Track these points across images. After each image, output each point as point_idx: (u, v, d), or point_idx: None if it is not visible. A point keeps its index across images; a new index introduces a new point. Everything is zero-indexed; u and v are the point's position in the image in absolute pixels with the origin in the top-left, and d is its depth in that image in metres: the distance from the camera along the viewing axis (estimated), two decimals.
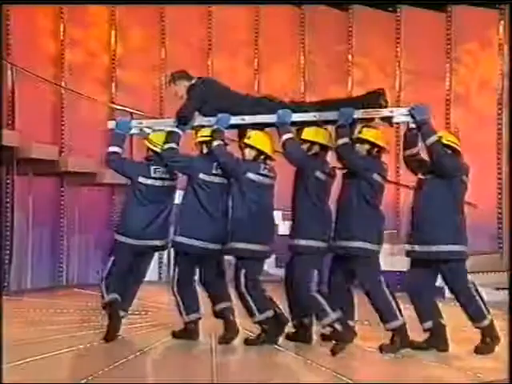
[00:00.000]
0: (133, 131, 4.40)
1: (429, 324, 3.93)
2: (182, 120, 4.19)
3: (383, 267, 4.02)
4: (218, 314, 4.17)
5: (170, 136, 4.15)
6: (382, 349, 3.85)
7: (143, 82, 7.49)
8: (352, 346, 3.95)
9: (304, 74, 7.87)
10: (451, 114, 7.61)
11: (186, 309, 4.16)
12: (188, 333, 4.18)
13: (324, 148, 3.99)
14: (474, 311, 3.89)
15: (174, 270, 4.17)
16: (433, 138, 3.78)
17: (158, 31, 7.55)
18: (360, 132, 3.97)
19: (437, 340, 3.91)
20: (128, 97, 7.29)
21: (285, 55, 7.87)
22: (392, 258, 6.68)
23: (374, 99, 4.00)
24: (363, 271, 3.86)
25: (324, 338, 4.10)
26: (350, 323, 4.01)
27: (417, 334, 4.01)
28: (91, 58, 7.36)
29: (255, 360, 3.87)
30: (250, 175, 3.94)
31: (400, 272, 6.69)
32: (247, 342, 4.06)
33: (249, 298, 3.92)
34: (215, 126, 4.07)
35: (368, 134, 3.96)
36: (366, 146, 3.94)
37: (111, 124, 4.38)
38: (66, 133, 7.02)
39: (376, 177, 3.91)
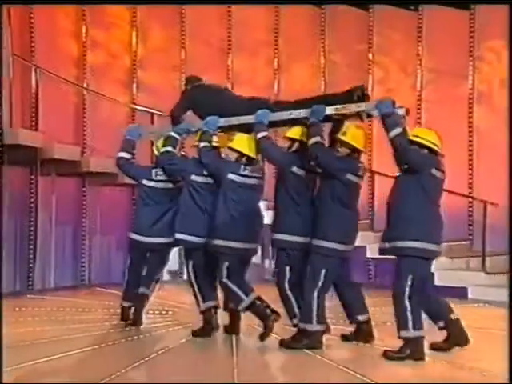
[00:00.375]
0: (143, 137, 4.75)
1: (440, 324, 3.92)
2: (172, 119, 4.54)
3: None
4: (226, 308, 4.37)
5: (168, 140, 4.42)
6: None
7: (164, 83, 7.54)
8: (372, 347, 3.98)
9: (324, 73, 7.84)
10: (474, 112, 7.52)
11: (203, 296, 4.29)
12: (207, 329, 4.24)
13: (305, 145, 4.01)
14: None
15: (187, 264, 4.35)
16: (395, 131, 3.72)
17: (178, 32, 7.60)
18: (344, 133, 3.95)
19: (455, 337, 3.87)
20: (149, 97, 7.36)
21: (305, 55, 7.86)
22: None
23: (349, 96, 4.01)
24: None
25: (344, 338, 4.16)
26: (359, 318, 4.05)
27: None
28: (112, 59, 7.44)
29: (275, 360, 3.91)
30: (231, 176, 4.08)
31: None
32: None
33: (232, 286, 4.04)
34: (204, 128, 4.29)
35: (350, 136, 3.95)
36: (347, 150, 3.97)
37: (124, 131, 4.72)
38: (88, 133, 7.13)
39: (350, 177, 3.92)
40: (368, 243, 6.90)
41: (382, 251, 3.84)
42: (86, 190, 7.11)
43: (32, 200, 6.59)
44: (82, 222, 7.08)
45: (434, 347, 3.89)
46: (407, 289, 3.66)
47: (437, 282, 6.32)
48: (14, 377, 3.33)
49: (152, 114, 6.90)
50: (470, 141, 7.47)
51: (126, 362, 3.66)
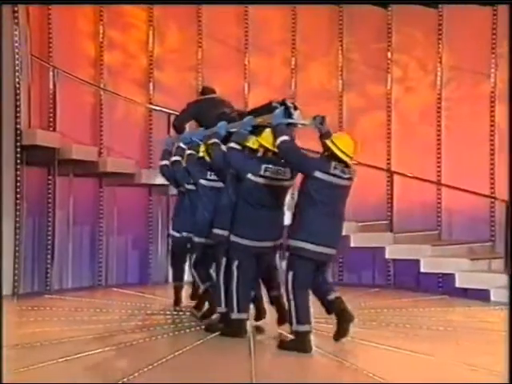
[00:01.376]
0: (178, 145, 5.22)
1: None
2: (175, 129, 5.49)
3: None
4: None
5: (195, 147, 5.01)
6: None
7: (180, 83, 7.54)
8: (387, 350, 4.05)
9: (342, 72, 7.80)
10: (496, 111, 7.41)
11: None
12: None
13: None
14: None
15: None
16: (280, 139, 4.00)
17: (195, 32, 7.59)
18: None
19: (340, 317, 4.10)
20: (165, 97, 7.37)
21: (322, 54, 7.82)
22: (433, 260, 6.60)
23: (272, 109, 4.32)
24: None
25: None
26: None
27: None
28: (129, 59, 7.46)
29: (292, 361, 3.88)
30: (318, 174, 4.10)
31: (442, 274, 6.61)
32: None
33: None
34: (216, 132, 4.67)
35: (263, 138, 4.27)
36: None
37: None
38: (105, 134, 7.14)
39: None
40: (387, 244, 6.85)
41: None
42: (103, 191, 7.14)
43: (49, 200, 6.63)
44: (99, 222, 7.11)
45: (336, 338, 4.09)
46: (290, 284, 3.88)
47: (458, 284, 6.27)
48: (30, 376, 3.37)
49: (169, 114, 6.92)
50: (492, 140, 7.36)
51: (144, 362, 3.67)
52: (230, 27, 7.70)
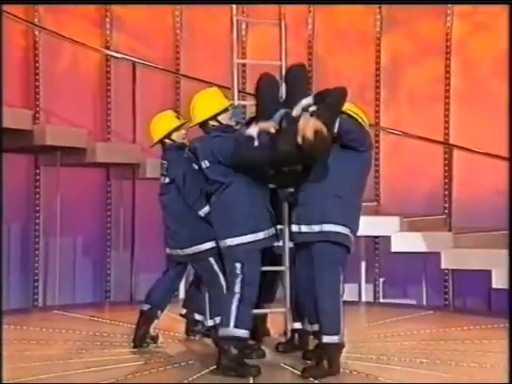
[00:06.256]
0: None
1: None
2: None
3: None
4: None
5: None
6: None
7: (150, 19, 7.52)
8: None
9: (380, 6, 7.68)
10: None
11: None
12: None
13: None
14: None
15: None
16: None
17: None
18: None
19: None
20: (129, 39, 7.47)
21: None
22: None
23: None
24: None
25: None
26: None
27: None
28: None
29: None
30: None
31: None
32: None
33: None
34: None
35: None
36: None
37: None
38: (43, 92, 7.15)
39: None
40: (443, 248, 6.73)
41: None
42: (41, 172, 7.18)
43: None
44: (34, 218, 7.12)
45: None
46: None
47: None
48: None
49: (134, 63, 6.95)
50: None
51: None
52: None
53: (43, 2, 7.06)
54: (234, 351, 4.24)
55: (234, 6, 5.04)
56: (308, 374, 4.28)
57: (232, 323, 4.26)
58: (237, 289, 4.29)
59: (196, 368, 4.49)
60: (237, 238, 4.34)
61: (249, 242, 4.33)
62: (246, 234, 4.33)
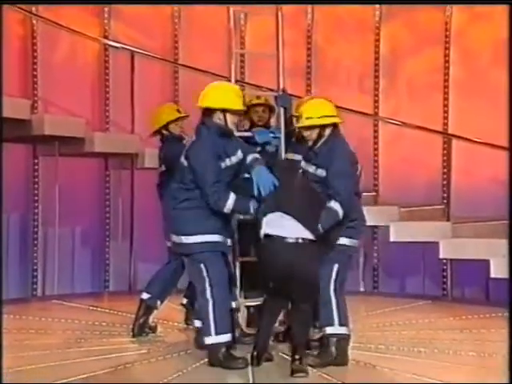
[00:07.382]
0: None
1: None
2: None
3: None
4: None
5: None
6: None
7: (149, 8, 7.44)
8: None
9: None
10: None
11: None
12: None
13: None
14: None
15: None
16: None
17: None
18: None
19: None
20: (128, 29, 7.43)
21: None
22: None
23: None
24: None
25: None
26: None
27: None
28: None
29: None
30: None
31: None
32: None
33: None
34: None
35: None
36: None
37: None
38: (42, 81, 7.12)
39: None
40: (442, 238, 6.74)
41: None
42: (39, 162, 7.19)
43: None
44: (33, 207, 7.12)
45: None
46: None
47: None
48: None
49: (132, 52, 6.93)
50: None
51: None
52: None
53: (43, 2, 7.06)
54: (221, 355, 4.30)
55: None
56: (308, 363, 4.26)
57: (213, 331, 4.29)
58: (208, 294, 4.30)
59: (195, 357, 4.50)
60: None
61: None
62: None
